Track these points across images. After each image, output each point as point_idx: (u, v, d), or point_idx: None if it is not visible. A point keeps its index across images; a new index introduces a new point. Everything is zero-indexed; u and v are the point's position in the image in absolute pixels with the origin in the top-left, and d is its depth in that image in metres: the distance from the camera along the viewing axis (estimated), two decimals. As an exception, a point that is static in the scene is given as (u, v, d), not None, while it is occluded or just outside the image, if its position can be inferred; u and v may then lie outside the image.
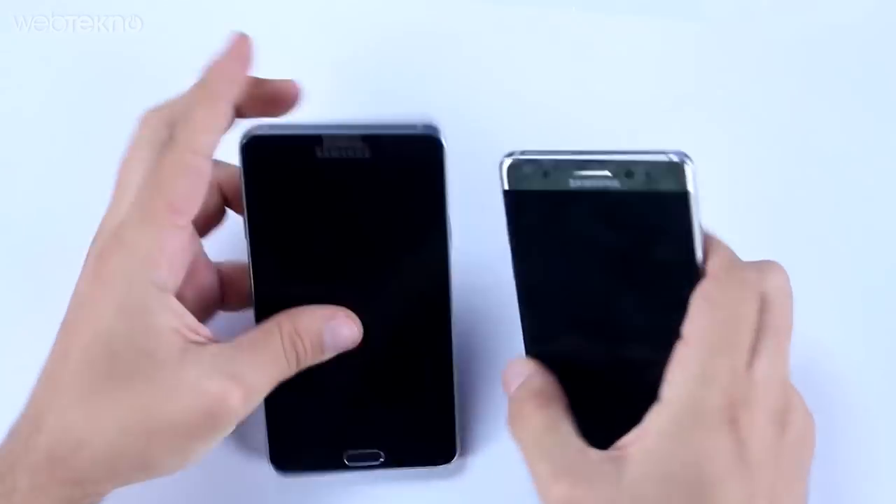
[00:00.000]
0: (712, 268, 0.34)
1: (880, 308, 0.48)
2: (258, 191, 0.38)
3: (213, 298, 0.41)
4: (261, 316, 0.40)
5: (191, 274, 0.38)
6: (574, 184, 0.35)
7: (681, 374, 0.33)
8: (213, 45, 0.52)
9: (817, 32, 0.53)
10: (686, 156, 0.34)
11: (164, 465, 0.36)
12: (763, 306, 0.35)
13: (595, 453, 0.35)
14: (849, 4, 0.53)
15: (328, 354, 0.39)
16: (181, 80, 0.52)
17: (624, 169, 0.34)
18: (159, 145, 0.37)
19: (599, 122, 0.51)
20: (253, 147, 0.37)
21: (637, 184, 0.34)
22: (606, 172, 0.34)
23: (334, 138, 0.36)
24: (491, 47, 0.53)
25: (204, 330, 0.38)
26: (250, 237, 0.39)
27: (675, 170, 0.34)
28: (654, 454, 0.33)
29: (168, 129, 0.38)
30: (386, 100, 0.51)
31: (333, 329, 0.39)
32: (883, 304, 0.48)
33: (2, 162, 0.51)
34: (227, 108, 0.38)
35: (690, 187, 0.34)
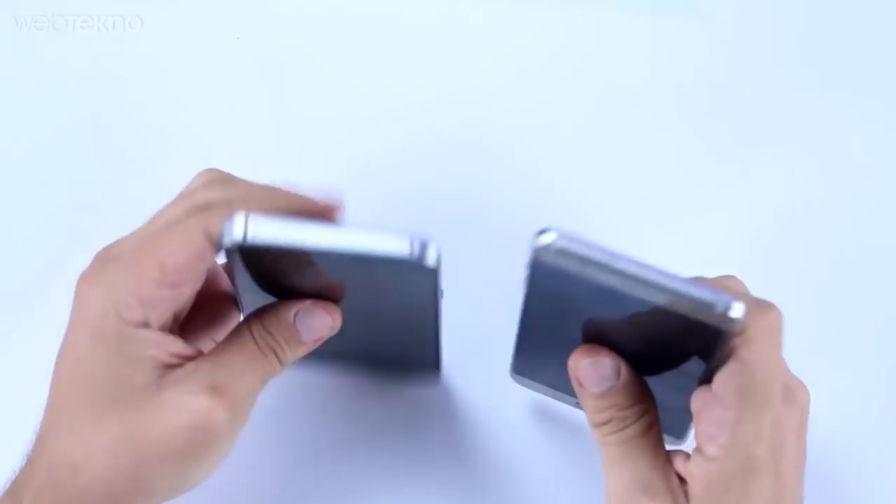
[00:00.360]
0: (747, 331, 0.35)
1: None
2: (249, 279, 0.38)
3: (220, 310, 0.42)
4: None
5: (181, 308, 0.38)
6: (611, 281, 0.34)
7: (727, 432, 0.34)
8: (212, 45, 0.52)
9: (818, 32, 0.53)
10: (738, 304, 0.32)
11: (162, 489, 0.36)
12: None
13: (675, 476, 0.36)
14: (849, 4, 0.53)
15: (308, 345, 0.39)
16: (181, 80, 0.53)
17: (665, 300, 0.33)
18: (192, 207, 0.37)
19: (599, 123, 0.51)
20: (241, 252, 0.36)
21: (678, 308, 0.33)
22: (647, 295, 0.33)
23: (325, 255, 0.36)
24: (488, 45, 0.53)
25: (189, 349, 0.37)
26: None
27: (723, 318, 0.32)
28: (709, 500, 0.35)
29: (213, 196, 0.38)
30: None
31: (303, 319, 0.38)
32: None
33: (1, 162, 0.51)
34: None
35: (735, 328, 0.33)
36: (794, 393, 0.36)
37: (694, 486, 0.35)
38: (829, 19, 0.53)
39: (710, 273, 0.38)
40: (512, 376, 0.42)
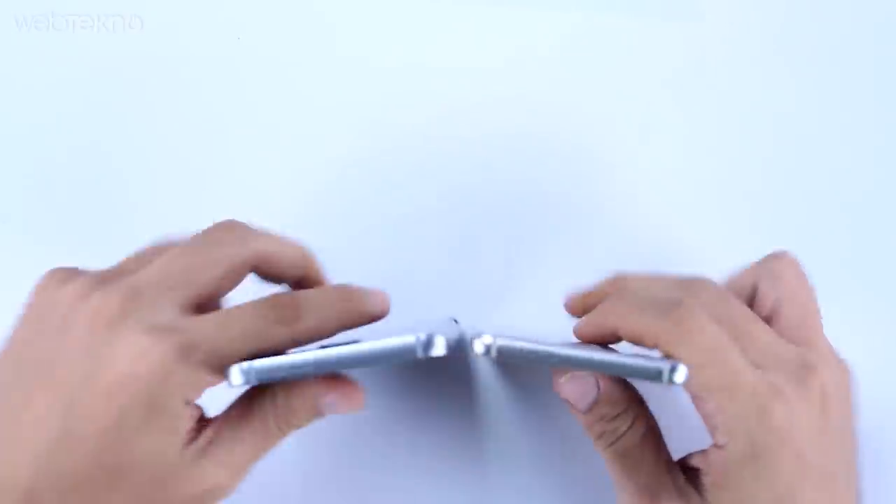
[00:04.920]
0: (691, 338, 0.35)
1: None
2: None
3: None
4: None
5: None
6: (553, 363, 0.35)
7: (739, 421, 0.35)
8: (212, 45, 0.52)
9: (819, 32, 0.53)
10: (677, 369, 0.34)
11: None
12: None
13: (681, 477, 0.37)
14: (850, 5, 0.53)
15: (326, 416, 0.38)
16: (181, 80, 0.53)
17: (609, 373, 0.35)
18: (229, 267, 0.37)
19: (600, 122, 0.51)
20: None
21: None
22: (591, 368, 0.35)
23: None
24: (488, 48, 0.53)
25: (198, 412, 0.36)
26: None
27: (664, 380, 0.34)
28: (727, 485, 0.35)
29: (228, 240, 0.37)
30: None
31: (330, 405, 0.38)
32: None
33: (1, 162, 0.51)
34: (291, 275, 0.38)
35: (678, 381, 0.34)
36: (810, 369, 0.36)
37: (710, 476, 0.36)
38: (830, 19, 0.53)
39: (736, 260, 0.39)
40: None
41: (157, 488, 0.34)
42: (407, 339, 0.33)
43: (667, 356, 0.35)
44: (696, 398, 0.36)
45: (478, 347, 0.34)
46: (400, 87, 0.52)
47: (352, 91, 0.52)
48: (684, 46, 0.52)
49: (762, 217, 0.50)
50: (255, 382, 0.34)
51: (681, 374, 0.33)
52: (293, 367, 0.34)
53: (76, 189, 0.50)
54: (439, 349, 0.33)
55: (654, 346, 0.36)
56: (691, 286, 0.38)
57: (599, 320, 0.38)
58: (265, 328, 0.35)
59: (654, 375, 0.33)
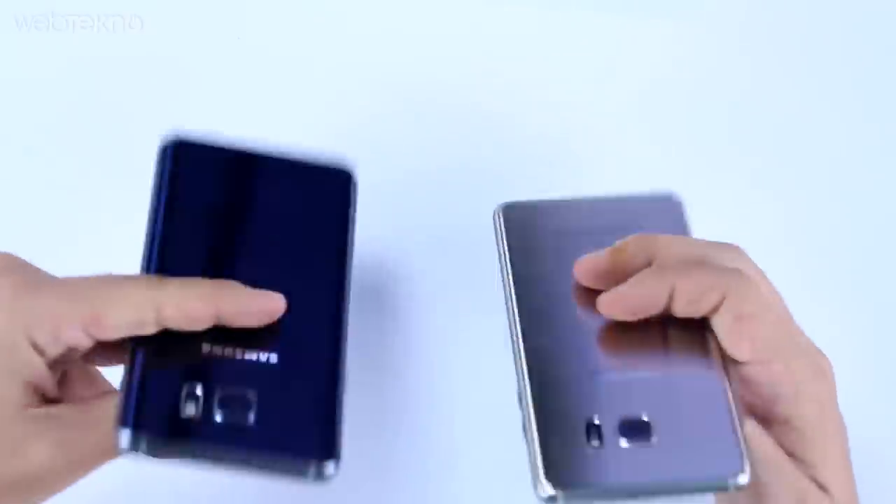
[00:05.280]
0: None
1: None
2: (173, 189, 0.38)
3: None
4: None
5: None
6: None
7: (806, 385, 0.35)
8: (212, 45, 0.52)
9: (821, 32, 0.53)
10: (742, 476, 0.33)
11: None
12: None
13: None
14: (850, 4, 0.53)
15: None
16: (181, 80, 0.53)
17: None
18: (154, 281, 0.35)
19: (601, 124, 0.51)
20: (175, 150, 0.38)
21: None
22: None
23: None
24: (484, 44, 0.53)
25: (54, 392, 0.36)
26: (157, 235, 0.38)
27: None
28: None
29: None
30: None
31: None
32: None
33: (1, 162, 0.51)
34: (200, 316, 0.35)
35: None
36: (819, 364, 0.36)
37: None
38: (831, 19, 0.53)
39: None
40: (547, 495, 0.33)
41: None
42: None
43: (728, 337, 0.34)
44: (755, 366, 0.35)
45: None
46: (400, 86, 0.52)
47: (352, 91, 0.52)
48: (682, 44, 0.52)
49: (762, 213, 0.50)
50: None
51: (744, 479, 0.33)
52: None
53: (76, 189, 0.50)
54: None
55: (719, 301, 0.34)
56: (731, 248, 0.37)
57: (652, 280, 0.35)
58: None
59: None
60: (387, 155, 0.51)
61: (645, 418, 0.34)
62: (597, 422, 0.34)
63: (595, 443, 0.34)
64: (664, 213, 0.37)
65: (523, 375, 0.35)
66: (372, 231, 0.48)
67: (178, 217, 0.37)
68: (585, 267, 0.37)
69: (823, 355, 0.35)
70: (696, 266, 0.35)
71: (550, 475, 0.32)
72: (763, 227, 0.50)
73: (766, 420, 0.35)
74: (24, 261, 0.37)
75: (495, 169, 0.51)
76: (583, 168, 0.50)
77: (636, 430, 0.34)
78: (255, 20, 0.53)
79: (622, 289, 0.35)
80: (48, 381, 0.35)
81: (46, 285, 0.35)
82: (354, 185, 0.39)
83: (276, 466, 0.32)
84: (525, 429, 0.34)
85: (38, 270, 0.36)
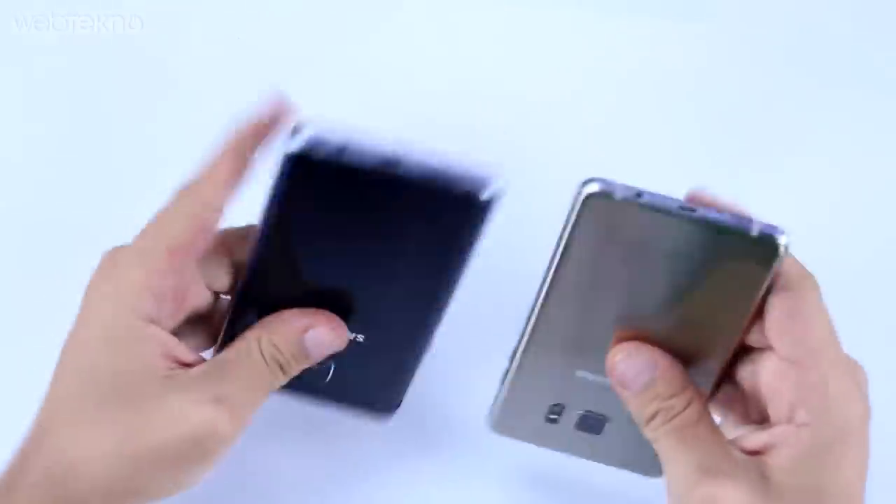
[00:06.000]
0: (790, 286, 0.35)
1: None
2: (288, 202, 0.36)
3: (207, 324, 0.41)
4: (238, 315, 0.39)
5: (184, 302, 0.38)
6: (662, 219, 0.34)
7: (819, 395, 0.34)
8: (212, 45, 0.52)
9: (824, 32, 0.53)
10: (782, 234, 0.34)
11: (156, 490, 0.36)
12: None
13: (739, 454, 0.35)
14: (852, 4, 0.53)
15: (314, 360, 0.39)
16: (181, 80, 0.53)
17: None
18: (179, 189, 0.38)
19: (605, 122, 0.51)
20: (303, 163, 0.35)
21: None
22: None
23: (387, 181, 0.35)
24: (490, 43, 0.53)
25: (191, 356, 0.37)
26: (263, 241, 0.37)
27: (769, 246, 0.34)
28: (802, 467, 0.34)
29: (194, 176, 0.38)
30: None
31: (314, 337, 0.38)
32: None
33: (1, 162, 0.51)
34: (243, 166, 0.38)
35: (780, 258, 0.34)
36: (854, 364, 0.36)
37: (780, 457, 0.34)
38: (833, 19, 0.53)
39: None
40: (493, 429, 0.41)
41: (138, 419, 0.35)
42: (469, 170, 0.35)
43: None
44: (789, 366, 0.34)
45: (592, 187, 0.33)
46: (400, 86, 0.52)
47: (352, 91, 0.52)
48: (695, 47, 0.52)
49: (763, 213, 0.50)
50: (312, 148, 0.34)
51: (783, 238, 0.33)
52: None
53: (76, 188, 0.50)
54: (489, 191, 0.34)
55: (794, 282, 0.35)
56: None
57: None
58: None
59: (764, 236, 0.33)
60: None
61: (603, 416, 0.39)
62: (562, 404, 0.39)
63: (553, 417, 0.39)
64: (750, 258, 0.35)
65: (524, 339, 0.37)
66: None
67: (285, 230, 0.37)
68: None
69: (863, 372, 0.35)
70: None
71: (501, 425, 0.39)
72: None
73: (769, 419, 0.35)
74: (118, 248, 0.38)
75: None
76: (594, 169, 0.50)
77: (591, 424, 0.39)
78: (255, 20, 0.53)
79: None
80: (179, 349, 0.37)
81: (122, 263, 0.37)
82: (488, 209, 0.35)
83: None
84: (503, 378, 0.39)
85: (131, 252, 0.38)
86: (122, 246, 0.38)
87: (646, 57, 0.53)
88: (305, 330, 0.38)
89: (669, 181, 0.50)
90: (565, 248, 0.35)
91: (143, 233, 0.38)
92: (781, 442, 0.34)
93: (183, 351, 0.37)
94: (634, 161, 0.50)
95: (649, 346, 0.36)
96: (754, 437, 0.35)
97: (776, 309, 0.35)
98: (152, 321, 0.36)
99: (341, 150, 0.35)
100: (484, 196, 0.34)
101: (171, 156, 0.51)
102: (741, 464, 0.35)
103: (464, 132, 0.51)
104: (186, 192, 0.38)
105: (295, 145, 0.35)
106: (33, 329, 0.48)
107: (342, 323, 0.39)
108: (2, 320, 0.48)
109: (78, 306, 0.37)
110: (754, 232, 0.33)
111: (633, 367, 0.36)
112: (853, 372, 0.35)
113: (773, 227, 0.34)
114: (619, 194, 0.34)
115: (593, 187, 0.34)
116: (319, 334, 0.38)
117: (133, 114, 0.52)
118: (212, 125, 0.51)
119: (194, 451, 0.36)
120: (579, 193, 0.34)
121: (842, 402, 0.34)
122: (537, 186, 0.50)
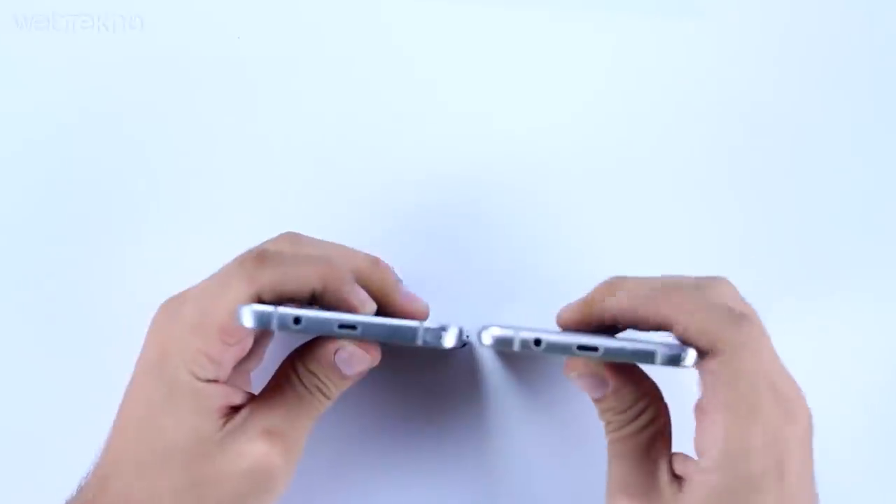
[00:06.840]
0: (715, 341, 0.35)
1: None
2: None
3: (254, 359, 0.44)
4: None
5: (237, 358, 0.39)
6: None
7: (718, 445, 0.35)
8: (212, 45, 0.52)
9: (822, 32, 0.53)
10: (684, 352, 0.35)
11: None
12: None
13: (667, 478, 0.36)
14: (851, 4, 0.53)
15: (352, 380, 0.40)
16: (181, 80, 0.53)
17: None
18: (245, 257, 0.38)
19: (602, 123, 0.51)
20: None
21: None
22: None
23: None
24: (479, 45, 0.53)
25: (241, 396, 0.39)
26: None
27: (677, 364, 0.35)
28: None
29: (269, 246, 0.39)
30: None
31: (342, 357, 0.39)
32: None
33: (1, 162, 0.51)
34: (321, 292, 0.38)
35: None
36: (793, 405, 0.35)
37: (693, 494, 0.35)
38: (833, 19, 0.53)
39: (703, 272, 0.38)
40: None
41: (200, 466, 0.36)
42: (413, 324, 0.36)
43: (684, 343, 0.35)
44: (701, 413, 0.35)
45: (486, 340, 0.35)
46: (399, 86, 0.52)
47: (352, 91, 0.52)
48: (684, 44, 0.52)
49: (763, 217, 0.50)
50: (256, 325, 0.36)
51: (690, 359, 0.34)
52: (282, 317, 0.36)
53: (76, 188, 0.50)
54: (450, 339, 0.36)
55: (711, 346, 0.35)
56: (720, 281, 0.38)
57: (651, 307, 0.36)
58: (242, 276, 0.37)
59: (676, 359, 0.34)
60: (388, 154, 0.51)
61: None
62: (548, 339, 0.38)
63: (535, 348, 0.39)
64: None
65: None
66: (372, 234, 0.48)
67: None
68: (568, 311, 0.40)
69: (805, 415, 0.36)
70: (704, 310, 0.36)
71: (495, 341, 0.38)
72: (764, 227, 0.49)
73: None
74: (177, 304, 0.39)
75: (495, 171, 0.51)
76: (592, 169, 0.50)
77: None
78: (255, 20, 0.53)
79: (613, 301, 0.38)
80: (230, 395, 0.38)
81: (182, 319, 0.38)
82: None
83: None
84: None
85: (177, 306, 0.39)
86: (180, 298, 0.39)
87: (638, 55, 0.53)
88: (335, 350, 0.38)
89: (665, 180, 0.50)
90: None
91: (201, 292, 0.39)
92: (693, 479, 0.35)
93: (235, 395, 0.38)
94: (627, 159, 0.51)
95: (599, 368, 0.38)
96: (683, 463, 0.36)
97: (703, 373, 0.36)
98: (213, 381, 0.38)
99: None
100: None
101: (172, 156, 0.51)
102: (662, 489, 0.36)
103: (457, 130, 0.51)
104: (250, 264, 0.38)
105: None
106: (33, 329, 0.48)
107: (372, 342, 0.39)
108: (2, 320, 0.48)
109: (134, 356, 0.39)
110: (658, 362, 0.35)
111: (587, 384, 0.39)
112: (784, 420, 0.35)
113: (679, 350, 0.34)
114: (516, 346, 0.36)
115: (490, 336, 0.36)
116: (348, 354, 0.39)
117: (133, 114, 0.52)
118: (212, 125, 0.51)
119: (254, 486, 0.37)
120: (479, 337, 0.36)
121: (742, 457, 0.34)
122: (527, 185, 0.50)
